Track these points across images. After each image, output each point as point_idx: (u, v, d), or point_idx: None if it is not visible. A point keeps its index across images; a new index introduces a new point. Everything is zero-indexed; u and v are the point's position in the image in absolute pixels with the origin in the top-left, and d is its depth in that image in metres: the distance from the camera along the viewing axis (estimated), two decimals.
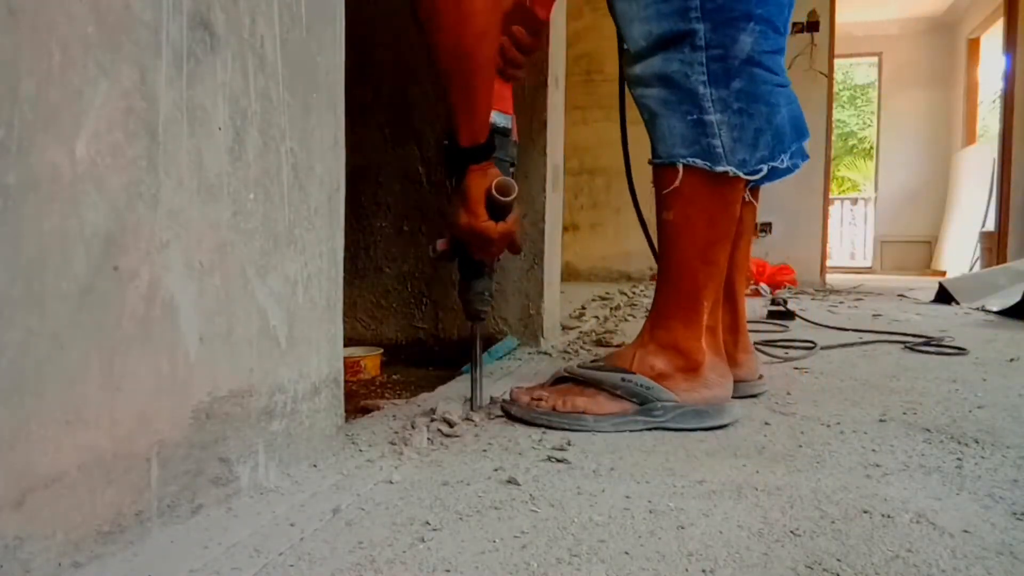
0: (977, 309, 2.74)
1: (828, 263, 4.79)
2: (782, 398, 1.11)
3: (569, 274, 4.37)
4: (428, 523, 0.59)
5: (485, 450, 0.81)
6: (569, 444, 0.83)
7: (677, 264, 0.94)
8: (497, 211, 0.95)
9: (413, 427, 0.87)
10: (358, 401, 1.19)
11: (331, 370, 0.77)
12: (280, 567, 0.51)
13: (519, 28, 1.03)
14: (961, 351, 1.59)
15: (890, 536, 0.57)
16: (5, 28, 0.43)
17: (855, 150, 13.42)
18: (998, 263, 4.57)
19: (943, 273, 6.18)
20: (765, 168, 0.91)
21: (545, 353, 1.52)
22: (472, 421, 0.93)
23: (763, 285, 3.76)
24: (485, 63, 0.90)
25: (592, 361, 1.00)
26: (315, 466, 0.73)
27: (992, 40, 6.27)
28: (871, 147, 10.20)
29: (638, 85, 0.95)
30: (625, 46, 0.96)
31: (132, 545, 0.52)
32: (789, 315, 2.30)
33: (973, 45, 6.73)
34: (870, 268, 7.60)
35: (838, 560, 0.52)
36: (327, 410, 0.76)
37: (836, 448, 0.83)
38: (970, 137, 6.81)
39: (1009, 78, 5.02)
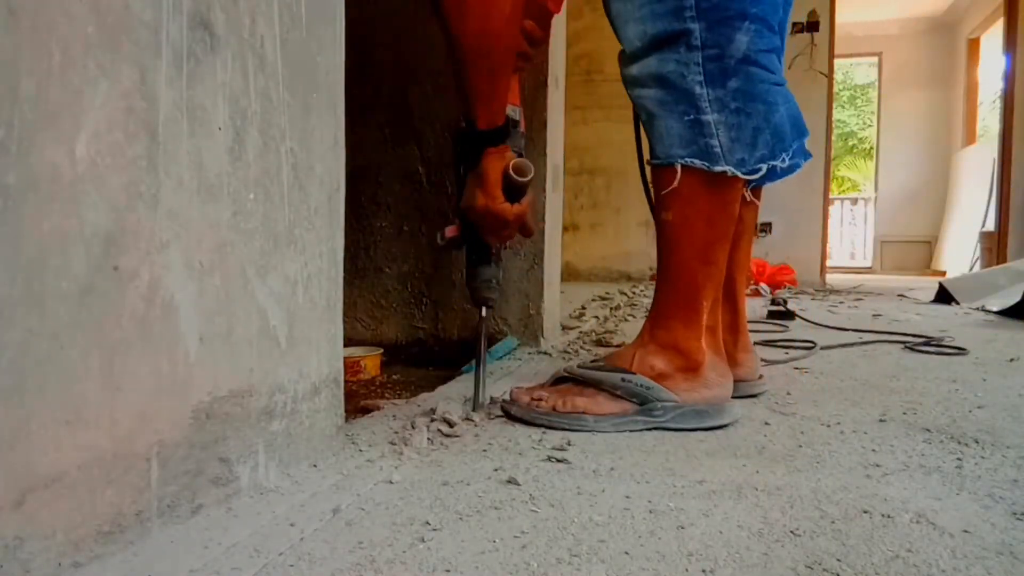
0: (977, 309, 2.74)
1: (828, 263, 4.79)
2: (782, 398, 1.11)
3: (569, 274, 4.37)
4: (428, 523, 0.59)
5: (485, 450, 0.81)
6: (569, 444, 0.83)
7: (676, 264, 0.94)
8: (513, 192, 0.98)
9: (413, 427, 0.87)
10: (358, 401, 1.19)
11: (331, 370, 0.77)
12: (280, 567, 0.51)
13: (531, 22, 1.05)
14: (961, 351, 1.59)
15: (890, 536, 0.57)
16: (5, 28, 0.43)
17: (855, 150, 13.43)
18: (998, 263, 4.57)
19: (943, 273, 6.18)
20: (764, 167, 0.91)
21: (545, 353, 1.52)
22: (472, 421, 0.93)
23: (763, 285, 3.76)
24: (510, 45, 0.94)
25: (592, 361, 1.00)
26: (315, 466, 0.73)
27: (992, 40, 6.27)
28: (871, 147, 10.21)
29: (634, 86, 0.95)
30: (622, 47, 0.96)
31: (132, 545, 0.52)
32: (789, 315, 2.30)
33: (973, 45, 6.73)
34: (870, 268, 7.60)
35: (838, 560, 0.52)
36: (327, 410, 0.76)
37: (836, 448, 0.83)
38: (970, 137, 6.82)
39: (1009, 78, 5.02)
